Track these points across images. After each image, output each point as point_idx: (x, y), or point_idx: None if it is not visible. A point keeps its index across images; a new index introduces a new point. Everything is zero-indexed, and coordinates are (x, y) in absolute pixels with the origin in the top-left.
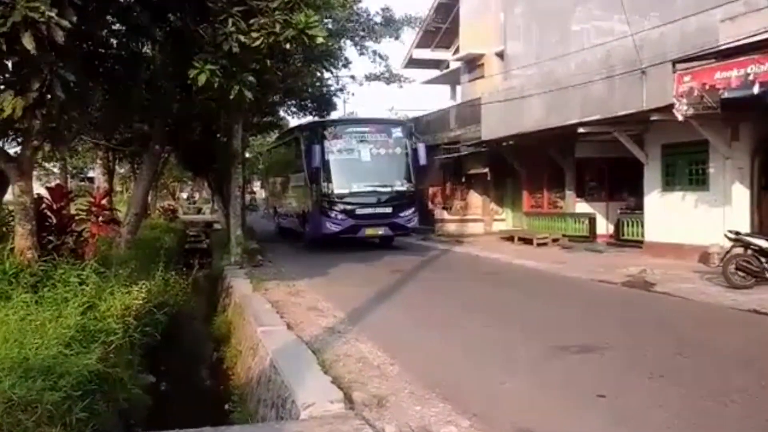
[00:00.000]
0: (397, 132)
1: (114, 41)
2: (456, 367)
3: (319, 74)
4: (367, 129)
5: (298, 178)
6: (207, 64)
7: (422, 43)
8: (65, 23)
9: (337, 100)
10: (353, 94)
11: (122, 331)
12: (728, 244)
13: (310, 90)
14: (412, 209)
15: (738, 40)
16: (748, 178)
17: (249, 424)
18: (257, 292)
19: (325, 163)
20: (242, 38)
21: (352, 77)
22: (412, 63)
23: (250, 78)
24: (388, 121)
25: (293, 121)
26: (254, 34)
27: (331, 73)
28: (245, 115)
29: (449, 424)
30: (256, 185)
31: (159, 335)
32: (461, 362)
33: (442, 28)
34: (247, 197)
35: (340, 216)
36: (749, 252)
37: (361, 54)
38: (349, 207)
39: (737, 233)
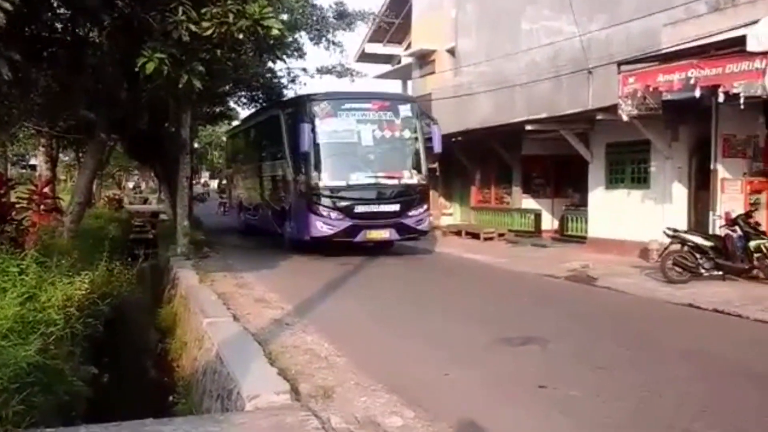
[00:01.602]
0: (406, 110)
1: (59, 26)
2: (402, 358)
3: (270, 65)
4: (369, 106)
5: (276, 166)
6: (156, 52)
7: (375, 38)
8: (7, 5)
9: (289, 92)
10: (305, 85)
11: (63, 322)
12: (667, 240)
13: (261, 81)
14: (424, 207)
15: (679, 45)
16: (686, 177)
17: (192, 416)
18: (204, 284)
19: (316, 148)
20: (193, 27)
21: (304, 69)
22: (365, 57)
23: (200, 67)
24: (395, 96)
25: (243, 112)
26: (205, 24)
27: (284, 62)
28: (194, 105)
29: (394, 414)
30: (205, 176)
31: (102, 326)
32: (408, 354)
33: (394, 23)
34: (199, 189)
35: (334, 214)
36: (686, 248)
37: (316, 44)
38: (345, 203)
39: (675, 230)
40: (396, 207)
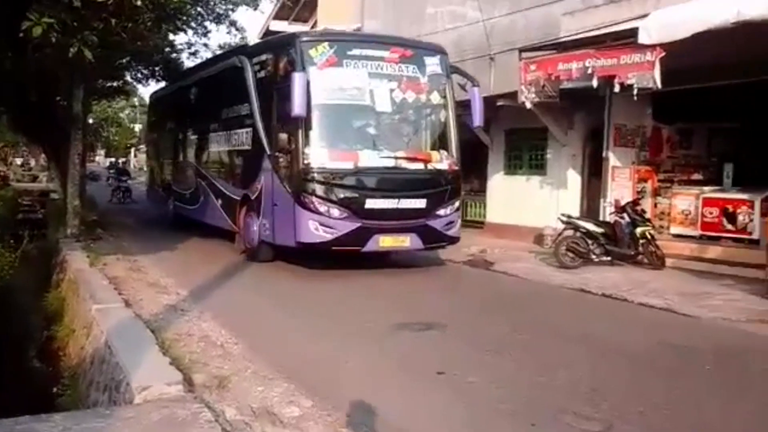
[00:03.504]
0: (435, 64)
1: None
2: (300, 345)
3: (171, 37)
4: (386, 54)
5: (236, 137)
6: (44, 16)
7: (280, 15)
8: None
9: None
10: (179, 73)
11: None
12: (561, 226)
13: (160, 54)
14: (456, 205)
15: (577, 34)
16: (580, 164)
17: (74, 411)
18: (94, 267)
19: (310, 112)
20: None
21: (206, 45)
22: (269, 35)
23: (93, 37)
24: (420, 44)
25: (143, 89)
26: None
27: (185, 32)
28: (88, 78)
29: (292, 404)
30: (100, 154)
31: None
32: (305, 341)
33: (300, 1)
34: (95, 167)
35: (335, 211)
36: (578, 234)
37: (218, 24)
38: (352, 195)
39: (569, 216)
40: (421, 203)
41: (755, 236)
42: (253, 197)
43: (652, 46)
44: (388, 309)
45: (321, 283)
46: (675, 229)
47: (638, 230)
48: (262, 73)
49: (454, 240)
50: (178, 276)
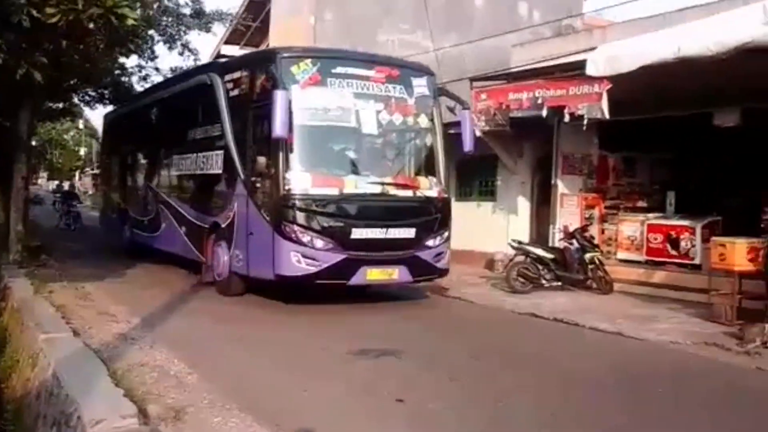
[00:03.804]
0: (422, 86)
1: None
2: (257, 374)
3: (122, 60)
4: (371, 73)
5: (208, 161)
6: None
7: (231, 40)
8: None
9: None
10: (137, 93)
11: None
12: (512, 252)
13: (109, 78)
14: (445, 235)
15: (527, 65)
16: (530, 191)
17: None
18: (39, 295)
19: (292, 134)
20: (35, 13)
21: (157, 69)
22: (221, 59)
23: (42, 58)
24: (407, 63)
25: (90, 111)
26: (50, 10)
27: (139, 55)
28: (35, 99)
29: None
30: (43, 176)
31: None
32: (262, 370)
33: (252, 26)
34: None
35: (319, 242)
36: (529, 260)
37: (170, 48)
38: (338, 224)
39: (519, 242)
40: (410, 232)
41: (697, 261)
42: (223, 225)
43: (600, 79)
44: (343, 335)
45: (275, 311)
46: (621, 255)
47: (587, 256)
48: (235, 92)
49: (443, 273)
50: (129, 304)
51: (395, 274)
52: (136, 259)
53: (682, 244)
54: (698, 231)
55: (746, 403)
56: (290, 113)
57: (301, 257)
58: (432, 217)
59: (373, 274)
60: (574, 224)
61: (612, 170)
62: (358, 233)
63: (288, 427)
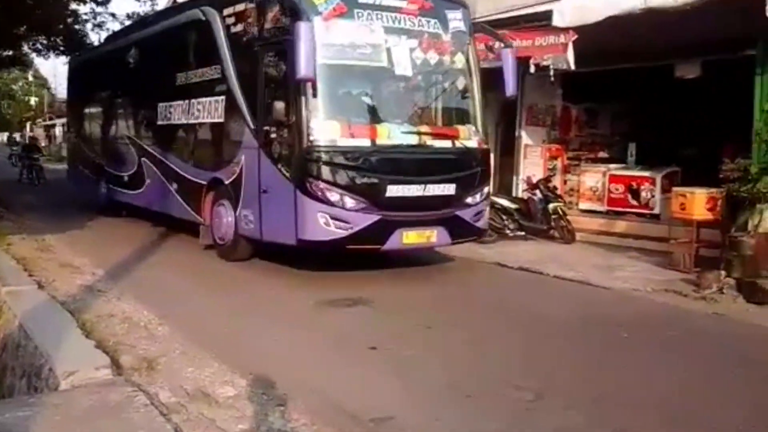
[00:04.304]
0: (457, 20)
1: None
2: (228, 324)
3: (74, 6)
4: (403, 4)
5: (205, 108)
6: None
7: None
8: None
9: (93, 39)
10: (113, 33)
11: None
12: None
13: (62, 25)
14: (485, 191)
15: (492, 15)
16: (493, 142)
17: None
18: None
19: (316, 75)
20: None
21: (113, 15)
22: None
23: None
24: None
25: (40, 60)
26: None
27: (95, 1)
28: None
29: (226, 384)
30: None
31: None
32: (233, 319)
33: None
34: None
35: (350, 201)
36: (493, 210)
37: None
38: (371, 180)
39: None
40: (450, 189)
41: (657, 211)
42: (227, 182)
43: (566, 29)
44: (310, 285)
45: (243, 268)
46: (584, 205)
47: (551, 206)
48: (238, 27)
49: (482, 233)
50: (93, 256)
51: (433, 236)
52: (93, 209)
53: (643, 194)
54: (658, 181)
55: (702, 346)
56: (314, 53)
57: (330, 219)
58: (473, 171)
59: (410, 237)
60: (538, 175)
61: (575, 121)
62: (393, 190)
63: (263, 376)
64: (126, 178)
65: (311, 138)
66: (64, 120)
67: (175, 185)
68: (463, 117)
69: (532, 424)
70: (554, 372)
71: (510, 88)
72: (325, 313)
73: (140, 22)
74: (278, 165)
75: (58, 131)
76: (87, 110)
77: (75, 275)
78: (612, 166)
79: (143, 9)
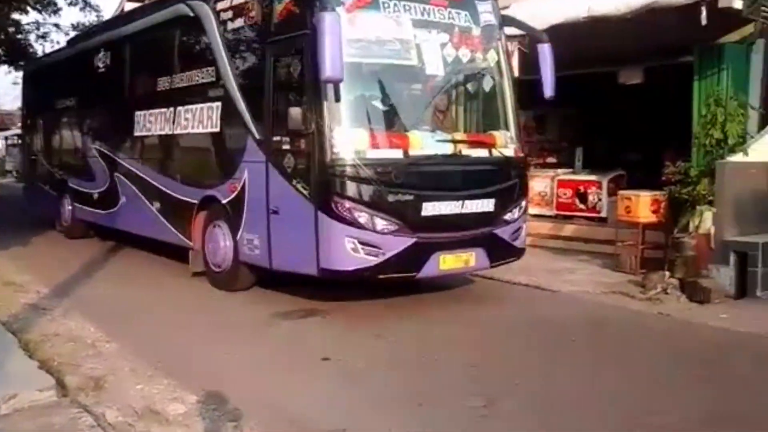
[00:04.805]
0: (487, 11)
1: None
2: (178, 340)
3: (16, 16)
4: None
5: (196, 116)
6: None
7: None
8: None
9: (37, 50)
10: (58, 43)
11: None
12: None
13: (3, 35)
14: (523, 203)
15: None
16: None
17: None
18: None
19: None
20: None
21: (57, 25)
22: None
23: None
24: None
25: None
26: None
27: (38, 11)
28: None
29: (175, 401)
30: None
31: None
32: (183, 335)
33: None
34: None
35: (381, 223)
36: None
37: (71, 4)
38: (405, 198)
39: None
40: (489, 204)
41: (603, 214)
42: (224, 200)
43: (512, 36)
44: (266, 297)
45: (196, 284)
46: (533, 210)
47: None
48: (237, 22)
49: (521, 253)
50: (37, 273)
51: (472, 259)
52: (37, 224)
53: (590, 198)
54: (605, 185)
55: (647, 346)
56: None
57: (358, 244)
58: (511, 182)
59: (448, 262)
60: None
61: (523, 128)
62: (429, 208)
63: (214, 392)
64: (96, 196)
65: (335, 150)
66: (7, 133)
67: (157, 204)
68: (499, 122)
69: (485, 430)
70: (506, 377)
71: (548, 88)
72: (278, 325)
73: (110, 21)
74: (293, 181)
75: (0, 144)
76: (47, 121)
77: (18, 293)
78: (560, 171)
79: (88, 19)
